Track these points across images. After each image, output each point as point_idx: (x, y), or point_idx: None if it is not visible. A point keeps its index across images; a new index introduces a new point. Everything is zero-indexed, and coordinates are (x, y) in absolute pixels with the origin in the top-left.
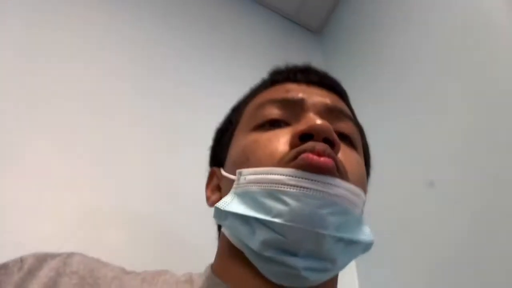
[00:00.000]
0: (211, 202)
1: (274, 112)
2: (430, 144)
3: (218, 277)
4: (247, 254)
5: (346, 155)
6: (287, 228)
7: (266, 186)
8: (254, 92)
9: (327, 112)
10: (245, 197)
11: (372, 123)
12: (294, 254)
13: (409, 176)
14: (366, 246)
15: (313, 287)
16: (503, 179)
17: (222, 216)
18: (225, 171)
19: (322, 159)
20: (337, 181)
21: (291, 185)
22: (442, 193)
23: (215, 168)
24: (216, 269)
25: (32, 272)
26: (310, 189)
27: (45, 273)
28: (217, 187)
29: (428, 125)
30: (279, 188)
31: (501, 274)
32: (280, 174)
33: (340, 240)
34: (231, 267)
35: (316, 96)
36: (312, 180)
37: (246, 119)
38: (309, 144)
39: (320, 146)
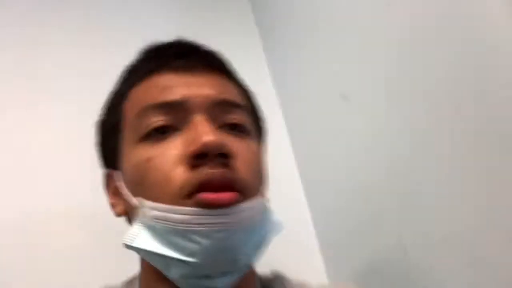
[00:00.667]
0: (118, 212)
1: (157, 119)
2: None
3: None
4: (168, 277)
5: (239, 150)
6: (203, 264)
7: (173, 225)
8: (128, 86)
9: (214, 107)
10: (154, 232)
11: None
12: (212, 277)
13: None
14: (277, 233)
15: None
16: (424, 91)
17: (133, 249)
18: (124, 182)
19: (220, 196)
20: (240, 207)
21: (197, 223)
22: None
23: (111, 171)
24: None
25: None
26: (216, 223)
27: None
28: (117, 191)
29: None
30: (187, 228)
31: (429, 185)
32: (184, 214)
33: (255, 249)
34: (151, 281)
35: (200, 90)
36: (215, 215)
37: (129, 128)
38: (203, 176)
39: (217, 177)
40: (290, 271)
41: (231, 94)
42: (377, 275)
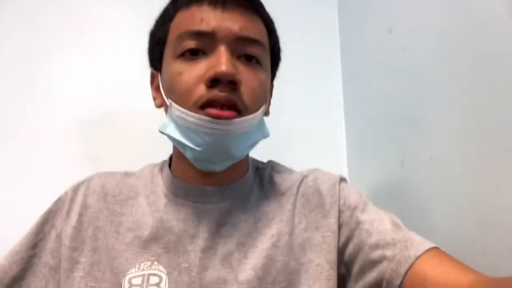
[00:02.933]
0: (157, 104)
1: (191, 43)
2: None
3: (172, 172)
4: (186, 157)
5: (248, 82)
6: (206, 152)
7: (189, 124)
8: (175, 9)
9: (236, 41)
10: (177, 126)
11: None
12: (213, 163)
13: None
14: (264, 138)
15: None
16: None
17: (164, 134)
18: (162, 86)
19: (222, 112)
20: (235, 121)
21: (204, 126)
22: None
23: (155, 72)
24: (171, 164)
25: (72, 200)
26: (216, 128)
27: (79, 198)
28: (158, 88)
29: None
30: (197, 128)
31: None
32: (196, 119)
33: (242, 148)
34: (178, 159)
35: (228, 24)
36: (217, 123)
37: (170, 44)
38: (213, 95)
39: (221, 98)
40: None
41: (253, 30)
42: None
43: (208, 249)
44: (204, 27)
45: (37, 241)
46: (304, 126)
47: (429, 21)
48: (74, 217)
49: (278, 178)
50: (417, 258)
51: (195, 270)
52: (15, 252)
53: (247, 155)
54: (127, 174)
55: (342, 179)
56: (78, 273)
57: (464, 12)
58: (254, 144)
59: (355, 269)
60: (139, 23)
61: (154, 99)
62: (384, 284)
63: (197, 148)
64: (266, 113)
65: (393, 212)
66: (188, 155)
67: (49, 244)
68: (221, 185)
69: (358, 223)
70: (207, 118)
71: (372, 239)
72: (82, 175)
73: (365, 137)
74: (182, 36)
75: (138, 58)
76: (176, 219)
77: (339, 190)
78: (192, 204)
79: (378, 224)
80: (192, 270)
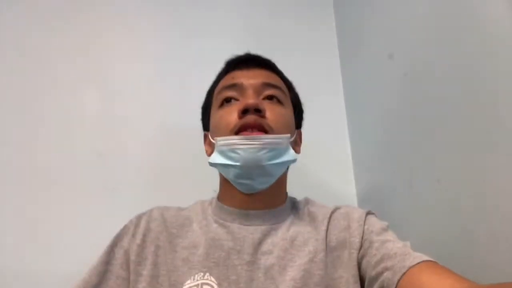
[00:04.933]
0: (208, 153)
1: (227, 94)
2: None
3: (220, 202)
4: (230, 181)
5: (272, 111)
6: (244, 167)
7: (228, 146)
8: (218, 79)
9: (260, 87)
10: (221, 153)
11: None
12: (253, 179)
13: None
14: (293, 161)
15: (268, 188)
16: None
17: (212, 164)
18: (210, 135)
19: (253, 133)
20: (263, 136)
21: (240, 144)
22: None
23: (206, 132)
24: (219, 196)
25: (137, 225)
26: (249, 144)
27: (143, 224)
28: (209, 142)
29: None
30: (234, 147)
31: None
32: (233, 139)
33: (274, 164)
34: (225, 188)
35: (252, 78)
36: (249, 139)
37: (215, 100)
38: (244, 121)
39: (251, 121)
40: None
41: (272, 79)
42: None
43: (253, 264)
44: (235, 81)
45: (109, 259)
46: (310, 153)
47: (430, 46)
48: (139, 237)
49: (313, 209)
50: (412, 266)
51: (242, 281)
52: (93, 267)
53: (285, 183)
54: (180, 208)
55: (372, 213)
56: (141, 284)
57: (465, 38)
58: (284, 163)
59: (366, 283)
60: (152, 54)
61: (206, 151)
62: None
63: (236, 164)
64: (296, 148)
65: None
66: (231, 174)
67: (119, 260)
68: (263, 209)
69: (371, 242)
70: (241, 137)
71: (379, 255)
72: (100, 204)
73: (372, 160)
74: (220, 91)
75: (150, 88)
76: (225, 238)
77: (366, 219)
78: (238, 225)
79: (388, 244)
80: (240, 282)
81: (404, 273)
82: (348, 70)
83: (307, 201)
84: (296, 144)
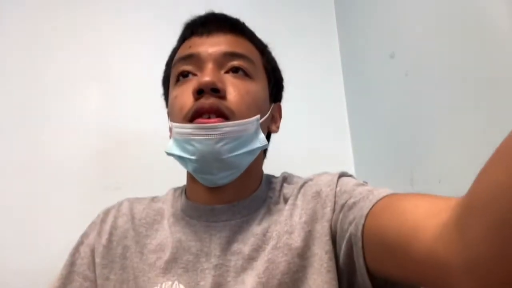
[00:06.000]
0: (170, 136)
1: (183, 67)
2: None
3: (186, 196)
4: (190, 172)
5: (235, 88)
6: (201, 161)
7: (182, 136)
8: (175, 49)
9: (221, 57)
10: (177, 142)
11: None
12: (214, 174)
13: None
14: (262, 147)
15: (235, 179)
16: None
17: (169, 154)
18: (168, 117)
19: (209, 121)
20: (221, 124)
21: (194, 135)
22: None
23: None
24: (186, 189)
25: (103, 221)
26: (205, 134)
27: (110, 219)
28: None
29: None
30: (189, 138)
31: None
32: (188, 128)
33: (237, 155)
34: (189, 181)
35: (212, 46)
36: (205, 129)
37: (172, 75)
38: (198, 105)
39: (206, 105)
40: None
41: (238, 47)
42: None
43: (221, 266)
44: (191, 51)
45: (74, 260)
46: (311, 152)
47: (431, 45)
48: (104, 236)
49: (286, 190)
50: (368, 213)
51: (209, 287)
52: (59, 272)
53: (257, 170)
54: (153, 200)
55: (349, 175)
56: None
57: (466, 37)
58: (252, 152)
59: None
60: (153, 52)
61: (170, 134)
62: (352, 235)
63: (192, 157)
64: (273, 129)
65: None
66: (189, 168)
67: (85, 259)
68: (231, 202)
69: (342, 206)
70: (195, 125)
71: (349, 214)
72: (103, 203)
73: (373, 159)
74: (175, 64)
75: (151, 87)
76: (192, 239)
77: (338, 181)
78: (205, 223)
79: (355, 193)
80: None
81: (364, 224)
82: (350, 69)
83: (284, 178)
84: (272, 122)
